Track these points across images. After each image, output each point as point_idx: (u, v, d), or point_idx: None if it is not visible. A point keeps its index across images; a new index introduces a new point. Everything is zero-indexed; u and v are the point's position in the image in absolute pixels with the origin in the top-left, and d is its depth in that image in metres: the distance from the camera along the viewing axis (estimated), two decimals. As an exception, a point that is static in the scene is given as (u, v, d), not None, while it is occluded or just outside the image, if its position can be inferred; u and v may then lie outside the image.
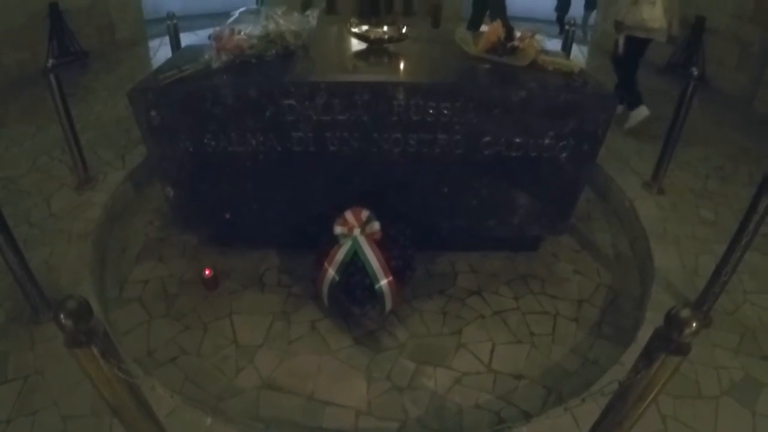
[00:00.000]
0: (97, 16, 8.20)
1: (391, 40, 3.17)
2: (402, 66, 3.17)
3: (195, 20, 10.71)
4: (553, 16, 12.51)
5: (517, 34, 3.21)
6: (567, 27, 5.24)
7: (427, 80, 2.93)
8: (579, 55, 8.52)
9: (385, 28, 3.26)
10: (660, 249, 3.71)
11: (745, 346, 3.00)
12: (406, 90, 2.80)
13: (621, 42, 5.52)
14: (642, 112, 5.62)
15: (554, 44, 6.27)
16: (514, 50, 3.04)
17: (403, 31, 3.21)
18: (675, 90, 4.42)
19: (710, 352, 2.94)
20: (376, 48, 3.19)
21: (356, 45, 3.23)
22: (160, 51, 8.09)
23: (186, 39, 5.67)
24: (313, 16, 3.17)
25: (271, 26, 3.06)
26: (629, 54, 5.58)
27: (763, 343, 3.03)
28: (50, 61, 3.95)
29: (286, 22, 3.08)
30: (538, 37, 3.19)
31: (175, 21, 5.20)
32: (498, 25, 3.11)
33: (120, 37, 8.50)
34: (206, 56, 3.08)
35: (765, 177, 2.59)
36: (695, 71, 4.15)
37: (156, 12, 11.14)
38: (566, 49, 5.55)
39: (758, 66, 7.14)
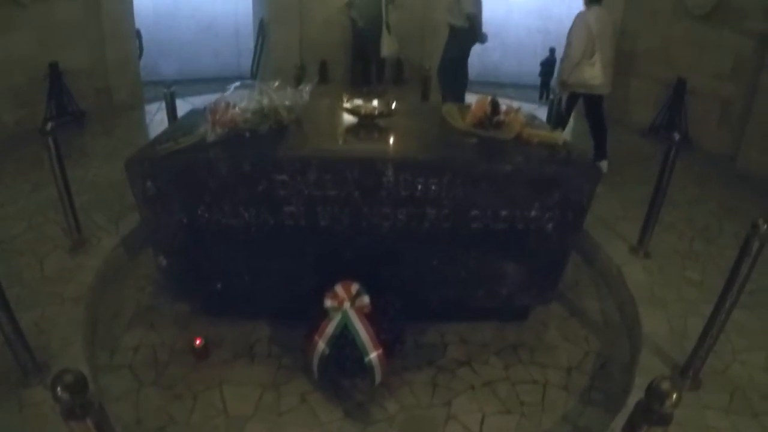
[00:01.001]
0: (95, 78, 8.38)
1: (381, 115, 3.28)
2: (391, 141, 3.28)
3: (190, 85, 10.97)
4: (538, 81, 12.95)
5: (503, 107, 3.32)
6: (552, 96, 5.42)
7: (415, 156, 3.03)
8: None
9: (375, 102, 3.37)
10: (648, 314, 3.75)
11: (735, 405, 3.02)
12: (394, 166, 2.89)
13: (564, 99, 6.23)
14: (602, 167, 5.89)
15: (541, 112, 6.46)
16: (499, 124, 3.15)
17: (393, 106, 3.32)
18: (659, 152, 4.55)
19: (701, 414, 2.95)
20: (366, 123, 3.29)
21: (347, 119, 3.34)
22: (157, 116, 8.22)
23: (181, 105, 5.78)
24: (306, 90, 3.28)
25: (265, 101, 3.16)
26: (591, 114, 6.30)
27: (753, 401, 3.06)
28: (49, 125, 4.02)
29: (279, 97, 3.19)
30: (522, 111, 3.30)
31: (172, 90, 5.33)
32: (484, 100, 3.23)
33: (117, 100, 8.66)
34: (202, 129, 3.17)
35: (747, 236, 2.67)
36: (677, 136, 4.27)
37: (153, 74, 11.43)
38: (551, 118, 5.72)
39: (739, 124, 7.35)
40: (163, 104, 5.84)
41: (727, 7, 7.48)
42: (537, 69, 12.92)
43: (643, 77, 8.54)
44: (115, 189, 5.52)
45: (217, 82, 12.08)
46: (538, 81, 12.88)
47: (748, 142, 7.19)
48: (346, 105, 3.30)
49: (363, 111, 3.26)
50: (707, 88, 7.73)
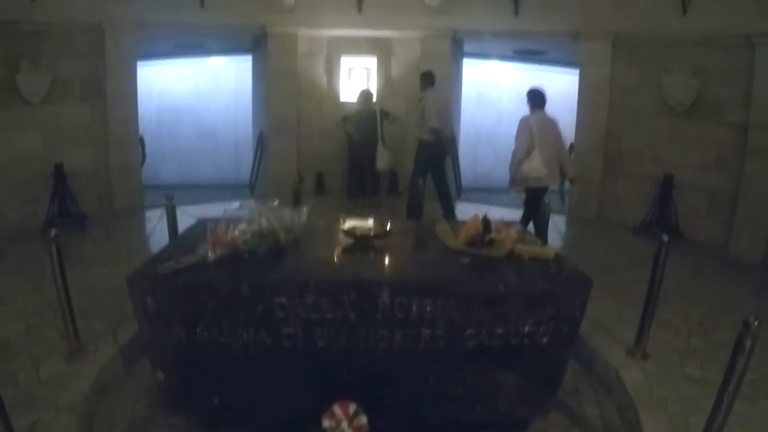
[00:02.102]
0: (98, 181, 8.64)
1: (376, 236, 3.38)
2: (387, 262, 3.38)
3: (189, 191, 11.24)
4: None
5: (495, 225, 3.44)
6: (542, 207, 5.57)
7: (409, 278, 3.13)
8: (555, 232, 8.77)
9: (371, 222, 3.48)
10: (649, 416, 3.71)
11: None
12: (390, 289, 2.97)
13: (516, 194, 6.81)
14: None
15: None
16: (491, 242, 3.26)
17: (387, 227, 3.43)
18: (652, 249, 4.62)
19: None
20: (362, 244, 3.40)
21: (344, 240, 3.44)
22: (158, 226, 8.30)
23: (181, 214, 5.89)
24: (303, 212, 3.41)
25: (264, 223, 3.27)
26: (530, 204, 6.94)
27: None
28: (53, 231, 4.09)
29: (278, 218, 3.30)
30: (514, 227, 3.41)
31: (173, 201, 5.46)
32: (476, 219, 3.35)
33: (119, 205, 8.89)
34: (202, 249, 3.26)
35: (740, 335, 2.72)
36: (665, 237, 4.34)
37: (153, 178, 11.76)
38: (543, 229, 5.85)
39: (728, 212, 7.55)
40: (163, 211, 5.96)
41: (706, 102, 7.91)
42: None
43: (631, 176, 8.85)
44: (114, 295, 5.54)
45: (216, 189, 12.49)
46: None
47: (737, 229, 7.40)
48: (343, 227, 3.41)
49: (359, 232, 3.38)
50: (694, 180, 8.00)
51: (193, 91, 13.93)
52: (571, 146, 10.68)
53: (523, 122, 6.83)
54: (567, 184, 10.48)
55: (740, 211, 7.53)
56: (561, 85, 13.41)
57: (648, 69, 8.64)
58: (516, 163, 6.72)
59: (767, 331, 2.84)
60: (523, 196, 7.22)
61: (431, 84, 8.12)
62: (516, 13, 9.58)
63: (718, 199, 7.94)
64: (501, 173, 11.17)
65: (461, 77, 11.61)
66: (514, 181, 6.91)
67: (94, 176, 8.63)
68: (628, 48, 8.89)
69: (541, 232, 6.40)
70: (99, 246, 7.24)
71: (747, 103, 7.53)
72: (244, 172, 12.02)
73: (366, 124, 8.87)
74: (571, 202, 9.99)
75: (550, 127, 6.89)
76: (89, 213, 8.11)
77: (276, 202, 3.44)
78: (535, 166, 6.56)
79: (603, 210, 9.18)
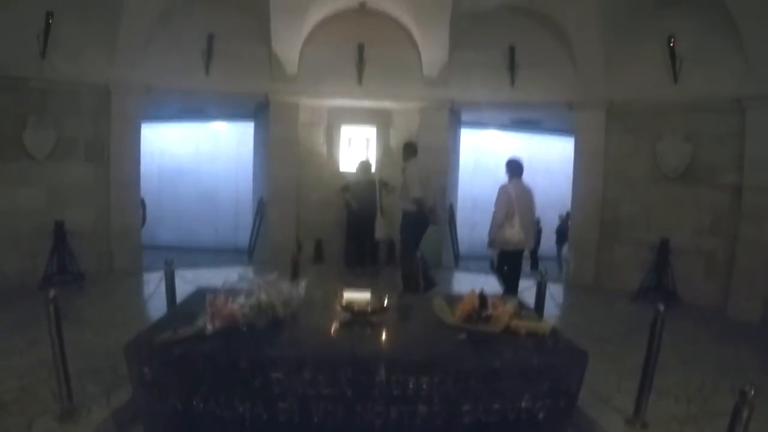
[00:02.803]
0: (98, 241, 8.70)
1: (373, 311, 3.42)
2: (384, 338, 3.40)
3: (187, 253, 11.30)
4: (525, 252, 13.40)
5: (492, 300, 3.47)
6: (540, 278, 5.61)
7: (406, 355, 3.14)
8: (551, 301, 8.77)
9: (368, 296, 3.52)
10: (649, 487, 3.67)
11: None
12: (386, 366, 2.99)
13: (495, 255, 7.35)
14: None
15: (528, 285, 6.60)
16: (488, 318, 3.29)
17: (385, 303, 3.47)
18: (649, 315, 4.61)
19: None
20: (359, 319, 3.42)
21: (341, 314, 3.47)
22: (156, 290, 8.32)
23: (179, 279, 5.90)
24: (301, 286, 3.45)
25: (263, 296, 3.31)
26: (510, 265, 7.34)
27: None
28: (52, 291, 4.08)
29: (276, 293, 3.34)
30: (510, 302, 3.45)
31: (172, 266, 5.50)
32: (473, 295, 3.39)
33: (117, 265, 8.92)
34: (200, 321, 3.29)
35: (737, 405, 2.72)
36: (662, 307, 4.35)
37: (152, 239, 11.83)
38: (540, 300, 5.86)
39: (725, 274, 7.59)
40: (162, 275, 5.98)
41: (700, 167, 8.08)
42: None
43: (628, 243, 8.93)
44: (109, 358, 5.48)
45: (215, 253, 12.56)
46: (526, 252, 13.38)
47: (735, 291, 7.45)
48: (341, 302, 3.45)
49: (356, 307, 3.41)
50: (690, 244, 8.09)
51: (194, 153, 14.19)
52: (568, 214, 10.86)
53: (503, 190, 7.28)
54: (565, 250, 10.58)
55: (737, 273, 7.59)
56: (557, 153, 13.75)
57: (642, 136, 8.86)
58: (496, 228, 7.16)
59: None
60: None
61: (413, 155, 8.31)
62: (512, 84, 9.90)
63: (714, 262, 8.01)
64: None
65: (459, 146, 11.83)
66: (493, 244, 7.34)
67: (94, 235, 8.70)
68: (622, 116, 9.13)
69: (514, 288, 7.13)
70: (96, 306, 7.21)
71: (740, 165, 7.71)
72: (243, 236, 12.06)
73: (365, 193, 9.00)
74: (568, 269, 10.03)
75: (527, 195, 7.39)
76: (87, 272, 8.13)
77: (275, 275, 3.48)
78: (516, 232, 7.07)
79: (600, 277, 9.22)
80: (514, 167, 7.50)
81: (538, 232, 13.42)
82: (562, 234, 12.84)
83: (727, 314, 7.51)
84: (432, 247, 8.93)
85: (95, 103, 8.78)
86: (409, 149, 8.37)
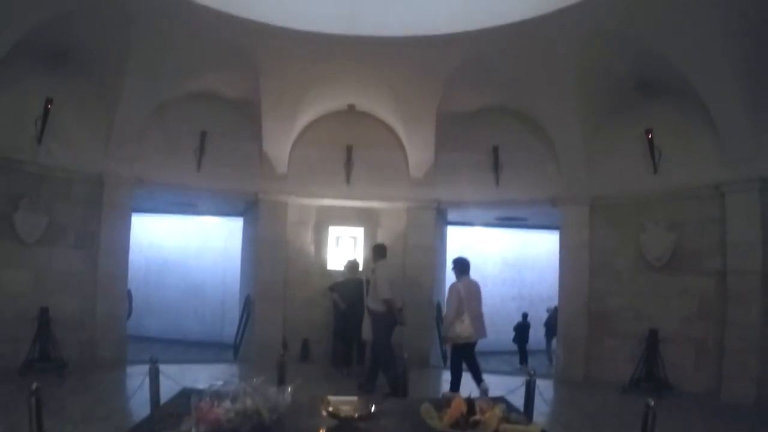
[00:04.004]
0: (82, 330, 8.62)
1: (360, 418, 3.36)
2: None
3: (173, 345, 11.16)
4: (514, 347, 13.52)
5: (480, 405, 3.44)
6: (529, 377, 5.56)
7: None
8: (540, 398, 8.72)
9: (355, 400, 3.48)
10: None
11: None
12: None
13: (448, 351, 7.85)
14: (485, 385, 7.46)
15: (518, 381, 6.52)
16: (476, 424, 3.24)
17: (372, 408, 3.42)
18: (641, 407, 4.52)
19: None
20: (346, 426, 3.36)
21: (328, 421, 3.40)
22: (139, 386, 8.15)
23: (162, 377, 5.79)
24: (288, 392, 3.40)
25: (249, 402, 3.25)
26: (466, 357, 7.76)
27: None
28: (34, 384, 3.98)
29: (262, 398, 3.29)
30: (498, 406, 3.41)
31: (156, 364, 5.42)
32: (460, 400, 3.36)
33: (100, 356, 8.77)
34: (185, 425, 3.21)
35: None
36: (651, 402, 4.27)
37: (137, 329, 11.69)
38: (529, 400, 5.80)
39: (716, 359, 7.57)
40: (145, 367, 5.85)
41: (684, 254, 8.27)
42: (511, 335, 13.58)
43: (616, 335, 8.96)
44: (90, 455, 5.34)
45: (200, 346, 12.41)
46: (515, 346, 13.46)
47: (727, 375, 7.44)
48: (327, 408, 3.40)
49: (343, 414, 3.36)
50: (679, 332, 8.16)
51: (182, 246, 14.27)
52: (555, 309, 10.89)
53: (453, 289, 7.85)
54: (554, 344, 10.54)
55: (728, 356, 7.58)
56: (543, 247, 13.96)
57: (625, 228, 9.08)
58: (449, 324, 7.69)
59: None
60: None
61: (383, 256, 8.51)
62: (497, 183, 10.21)
63: (704, 347, 8.02)
64: (488, 336, 11.28)
65: (446, 244, 12.01)
66: (446, 339, 7.94)
67: (79, 324, 8.60)
68: (605, 210, 9.39)
69: (477, 376, 7.69)
70: (77, 398, 6.99)
71: (723, 250, 7.86)
72: (229, 330, 11.96)
73: (352, 293, 9.01)
74: (558, 364, 9.96)
75: (476, 290, 7.93)
76: (70, 360, 7.99)
77: (261, 379, 3.45)
78: (466, 327, 7.54)
79: (591, 370, 9.15)
80: (461, 265, 8.08)
81: (527, 327, 13.48)
82: (550, 327, 12.84)
83: (720, 399, 7.45)
84: (419, 347, 9.15)
85: (87, 192, 8.92)
86: (379, 251, 8.63)
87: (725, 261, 7.81)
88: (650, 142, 8.50)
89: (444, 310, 7.99)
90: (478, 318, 7.76)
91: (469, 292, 7.75)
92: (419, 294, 10.44)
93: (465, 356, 7.84)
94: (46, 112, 8.03)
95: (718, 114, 7.69)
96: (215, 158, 10.18)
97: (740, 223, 7.65)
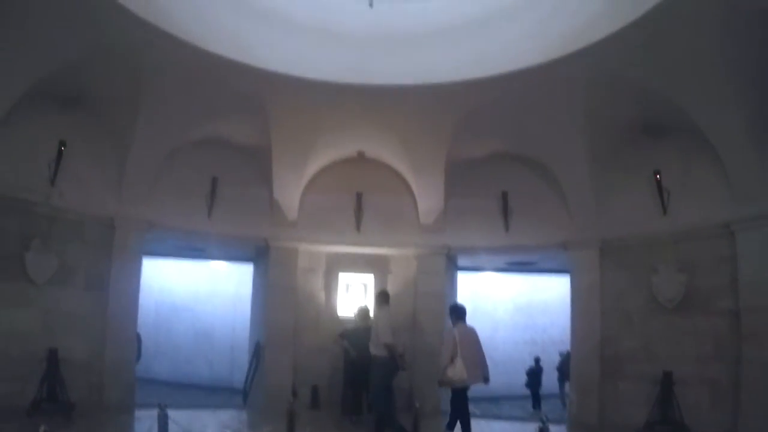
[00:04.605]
0: (91, 372, 8.54)
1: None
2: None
3: (182, 389, 11.04)
4: (527, 392, 13.34)
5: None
6: (542, 423, 5.49)
7: None
8: None
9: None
10: None
11: None
12: None
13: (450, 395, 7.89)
14: None
15: (531, 428, 6.40)
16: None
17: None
18: None
19: None
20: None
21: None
22: (146, 429, 7.98)
23: (172, 422, 5.73)
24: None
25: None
26: (458, 399, 7.81)
27: None
28: (42, 427, 3.98)
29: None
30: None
31: (165, 410, 5.38)
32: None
33: (108, 399, 8.67)
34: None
35: None
36: None
37: (146, 372, 11.61)
38: (467, 425, 5.75)
39: (732, 400, 7.40)
40: (153, 412, 5.81)
41: (696, 295, 8.16)
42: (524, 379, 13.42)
43: (630, 378, 8.79)
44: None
45: (209, 391, 12.27)
46: (528, 391, 13.29)
47: (744, 414, 7.26)
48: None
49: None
50: (694, 374, 7.98)
51: (192, 291, 14.29)
52: (568, 353, 10.74)
53: (448, 334, 8.04)
54: (567, 387, 10.36)
55: (745, 396, 7.38)
56: (554, 291, 13.88)
57: (636, 270, 8.98)
58: (442, 368, 7.77)
59: None
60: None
61: (386, 302, 8.61)
62: (507, 228, 10.24)
63: (720, 388, 7.80)
64: (500, 381, 11.13)
65: (456, 290, 11.96)
66: (441, 382, 7.93)
67: (87, 366, 8.52)
68: (615, 252, 9.33)
69: (466, 427, 7.70)
70: (83, 441, 6.93)
71: (735, 288, 7.73)
72: (239, 375, 11.86)
73: (363, 340, 8.93)
74: (571, 409, 9.77)
75: (472, 336, 8.01)
76: (78, 402, 7.87)
77: (269, 429, 3.42)
78: (458, 371, 7.60)
79: (605, 414, 8.93)
80: (458, 312, 8.25)
81: (539, 371, 13.26)
82: (563, 371, 12.62)
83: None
84: (430, 395, 9.30)
85: (98, 235, 8.98)
86: (382, 297, 8.73)
87: (738, 299, 7.68)
88: (659, 183, 8.52)
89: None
90: (474, 363, 7.81)
91: (463, 338, 7.86)
92: (430, 341, 10.27)
93: (459, 399, 7.88)
94: (60, 154, 8.18)
95: (726, 152, 7.72)
96: (226, 204, 10.29)
97: (752, 260, 7.55)
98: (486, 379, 7.94)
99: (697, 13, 6.34)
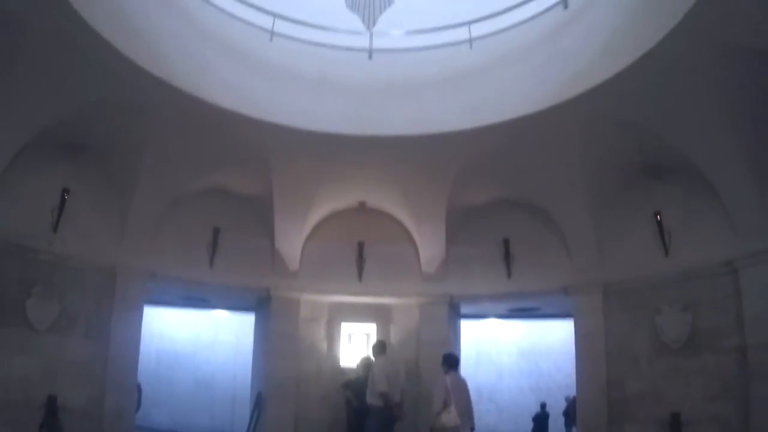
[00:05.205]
0: (90, 421, 8.39)
1: None
2: None
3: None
4: None
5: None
6: None
7: None
8: None
9: None
10: None
11: None
12: None
13: None
14: None
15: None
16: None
17: None
18: None
19: None
20: None
21: None
22: None
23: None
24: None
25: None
26: None
27: None
28: None
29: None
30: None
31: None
32: None
33: (108, 448, 8.49)
34: None
35: None
36: None
37: (146, 421, 11.44)
38: None
39: None
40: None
41: (701, 334, 8.06)
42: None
43: (637, 420, 8.67)
44: None
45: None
46: None
47: None
48: None
49: None
50: (702, 414, 7.84)
51: (193, 339, 14.23)
52: (574, 397, 10.60)
53: (440, 382, 8.13)
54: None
55: None
56: (558, 335, 13.80)
57: (639, 312, 8.91)
58: (435, 416, 7.87)
59: None
60: None
61: (383, 352, 8.86)
62: (509, 275, 10.24)
63: (729, 427, 7.61)
64: (506, 428, 10.94)
65: (460, 338, 11.89)
66: (434, 429, 8.00)
67: (86, 414, 8.35)
68: (618, 295, 9.28)
69: None
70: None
71: (740, 326, 7.62)
72: (240, 426, 11.71)
73: (365, 391, 8.87)
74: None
75: (463, 385, 8.24)
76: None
77: None
78: (452, 417, 7.71)
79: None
80: (450, 360, 8.42)
81: (546, 417, 13.08)
82: (570, 416, 12.43)
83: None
84: None
85: (100, 282, 8.94)
86: (379, 347, 8.92)
87: (744, 337, 7.59)
88: (659, 224, 8.57)
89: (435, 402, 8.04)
90: (465, 412, 7.94)
91: (455, 386, 7.98)
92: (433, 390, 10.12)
93: None
94: (63, 201, 8.25)
95: (726, 190, 7.76)
96: (228, 254, 10.32)
97: (756, 296, 7.48)
98: (472, 429, 8.12)
99: (693, 55, 6.44)
